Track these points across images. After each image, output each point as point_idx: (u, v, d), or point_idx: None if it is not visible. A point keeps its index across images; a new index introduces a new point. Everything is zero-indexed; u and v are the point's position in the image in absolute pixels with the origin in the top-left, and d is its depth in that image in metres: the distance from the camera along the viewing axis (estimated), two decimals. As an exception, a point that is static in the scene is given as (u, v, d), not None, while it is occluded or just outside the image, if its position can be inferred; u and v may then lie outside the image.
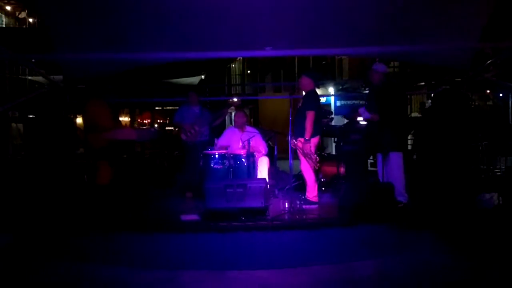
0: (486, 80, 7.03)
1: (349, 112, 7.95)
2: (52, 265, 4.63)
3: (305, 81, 5.72)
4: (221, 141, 6.30)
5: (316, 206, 5.59)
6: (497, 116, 8.21)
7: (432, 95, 9.38)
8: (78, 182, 6.37)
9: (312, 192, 5.63)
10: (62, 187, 6.02)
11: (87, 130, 5.78)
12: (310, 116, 5.42)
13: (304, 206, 5.20)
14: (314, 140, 5.54)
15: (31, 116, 9.57)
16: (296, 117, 5.49)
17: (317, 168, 5.80)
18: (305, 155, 5.46)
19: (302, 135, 5.46)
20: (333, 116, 7.26)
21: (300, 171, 5.70)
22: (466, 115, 6.54)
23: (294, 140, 5.53)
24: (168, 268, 4.52)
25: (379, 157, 5.53)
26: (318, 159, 5.57)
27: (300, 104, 5.72)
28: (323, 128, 6.47)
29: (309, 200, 5.59)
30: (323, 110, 6.80)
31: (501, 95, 8.85)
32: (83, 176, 6.48)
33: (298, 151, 5.58)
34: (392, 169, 5.40)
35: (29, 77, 14.01)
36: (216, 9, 5.25)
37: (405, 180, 5.47)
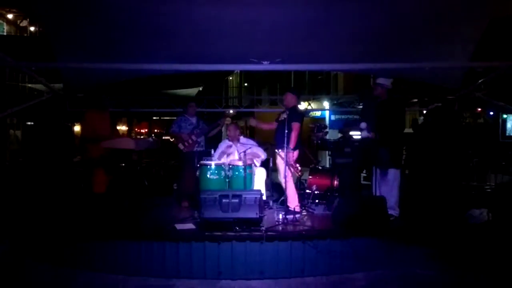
0: (477, 98, 7.18)
1: (343, 126, 8.07)
2: (47, 271, 4.68)
3: (290, 97, 5.99)
4: (216, 153, 6.38)
5: (310, 217, 5.69)
6: (487, 133, 8.35)
7: (424, 111, 9.55)
8: (74, 190, 6.42)
9: (293, 202, 5.75)
10: (58, 195, 6.07)
11: (85, 138, 5.85)
12: (296, 127, 5.68)
13: (288, 216, 5.26)
14: (296, 153, 5.73)
15: (29, 123, 9.61)
16: (280, 129, 5.65)
17: (299, 176, 6.04)
18: (288, 164, 5.60)
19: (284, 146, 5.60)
20: (327, 130, 7.35)
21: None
22: (457, 132, 6.68)
23: (276, 151, 5.74)
24: (162, 276, 4.58)
25: (374, 171, 5.62)
26: (300, 169, 5.81)
27: (282, 117, 5.83)
28: (315, 142, 6.61)
29: (291, 210, 5.59)
30: (318, 124, 6.94)
31: (491, 113, 9.00)
32: (79, 184, 6.53)
33: (277, 161, 5.80)
34: (388, 184, 5.50)
35: (29, 85, 14.08)
36: (214, 23, 5.37)
37: (398, 195, 5.56)
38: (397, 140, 5.52)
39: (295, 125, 5.69)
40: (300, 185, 6.53)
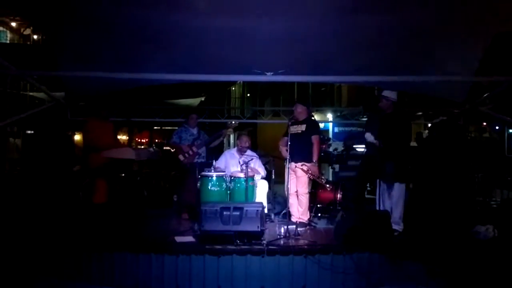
0: (482, 113, 7.12)
1: (346, 139, 8.00)
2: (45, 283, 4.59)
3: (300, 109, 5.97)
4: (219, 164, 6.31)
5: (312, 231, 5.61)
6: (493, 148, 8.27)
7: (429, 125, 9.48)
8: (73, 199, 6.34)
9: (307, 214, 5.82)
10: (57, 205, 6.00)
11: (87, 148, 5.79)
12: (317, 140, 5.76)
13: (290, 230, 5.18)
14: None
15: (29, 131, 9.57)
16: (297, 142, 5.54)
17: (329, 188, 6.11)
18: (315, 177, 5.70)
19: (305, 160, 5.58)
20: (331, 142, 7.30)
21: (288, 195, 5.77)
22: (462, 146, 6.60)
23: (294, 164, 5.61)
24: (161, 289, 4.50)
25: (379, 184, 5.54)
26: (326, 180, 5.79)
27: (300, 130, 5.78)
28: (321, 154, 6.53)
29: (305, 222, 5.68)
30: (321, 136, 6.87)
31: (497, 127, 8.93)
32: (78, 193, 6.45)
33: (296, 174, 5.65)
34: (393, 198, 5.41)
35: (30, 93, 14.07)
36: (218, 34, 5.34)
37: (403, 209, 5.47)
38: (402, 154, 5.43)
39: (316, 138, 5.76)
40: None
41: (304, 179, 5.71)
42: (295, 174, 5.69)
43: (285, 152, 5.73)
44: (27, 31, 20.50)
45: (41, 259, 4.72)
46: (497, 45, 5.75)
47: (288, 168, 5.66)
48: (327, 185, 5.91)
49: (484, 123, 9.74)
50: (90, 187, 5.78)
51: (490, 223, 5.46)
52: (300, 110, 5.96)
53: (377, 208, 5.49)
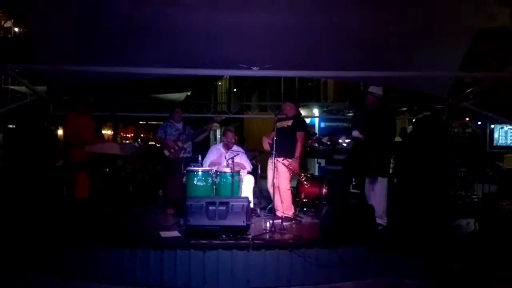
0: (465, 108, 7.22)
1: (331, 133, 8.03)
2: (27, 279, 4.53)
3: (289, 106, 6.01)
4: (207, 160, 6.30)
5: (298, 225, 5.63)
6: (475, 143, 8.41)
7: (413, 120, 9.57)
8: (56, 195, 6.26)
9: (291, 209, 5.85)
10: (39, 200, 5.91)
11: (67, 142, 5.71)
12: (301, 136, 5.76)
13: (275, 225, 5.20)
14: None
15: (11, 126, 9.40)
16: (282, 137, 5.54)
17: (307, 186, 6.12)
18: (295, 173, 5.70)
19: (287, 155, 5.60)
20: (318, 136, 7.32)
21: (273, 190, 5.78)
22: (445, 141, 6.68)
23: (277, 159, 5.61)
24: (145, 285, 4.47)
25: (366, 179, 5.59)
26: (306, 177, 5.87)
27: (284, 125, 5.80)
28: (306, 149, 6.55)
29: (289, 217, 5.72)
30: (308, 132, 6.91)
31: (479, 123, 9.07)
32: (62, 189, 6.37)
33: (278, 169, 5.66)
34: (376, 192, 5.46)
35: (12, 87, 13.82)
36: (203, 28, 5.31)
37: (386, 203, 5.53)
38: (387, 149, 5.49)
39: (301, 135, 5.77)
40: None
41: (285, 174, 5.72)
42: (277, 169, 5.71)
43: (266, 144, 5.78)
44: (8, 24, 20.03)
45: (23, 255, 4.65)
46: (481, 42, 5.83)
47: (273, 163, 5.66)
48: (305, 183, 5.92)
49: (467, 119, 9.89)
50: (73, 182, 5.70)
51: (471, 217, 5.56)
52: (289, 108, 5.99)
53: (366, 202, 5.54)
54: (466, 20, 5.12)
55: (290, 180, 5.92)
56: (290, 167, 5.65)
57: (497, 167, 7.75)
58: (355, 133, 5.52)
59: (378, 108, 5.59)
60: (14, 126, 8.76)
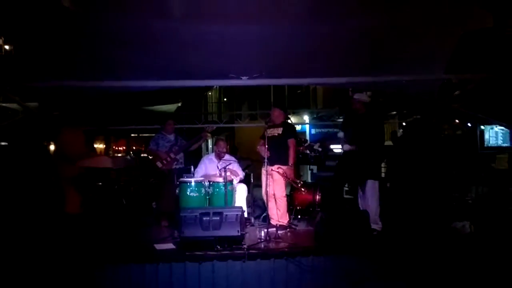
0: (454, 110, 7.27)
1: (322, 140, 8.07)
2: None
3: (277, 112, 6.05)
4: (199, 170, 6.29)
5: (292, 233, 5.62)
6: (466, 145, 8.45)
7: (403, 124, 9.64)
8: (49, 210, 6.20)
9: (286, 217, 5.85)
10: (31, 216, 5.86)
11: (58, 158, 5.69)
12: (293, 143, 5.81)
13: (279, 232, 5.20)
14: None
15: (3, 143, 9.34)
16: (273, 145, 5.56)
17: (304, 192, 6.13)
18: (291, 181, 5.76)
19: (281, 163, 5.62)
20: (310, 143, 7.34)
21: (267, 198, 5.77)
22: (436, 144, 6.73)
23: (271, 168, 5.63)
24: (141, 299, 4.43)
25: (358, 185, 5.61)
26: (301, 183, 5.87)
27: (274, 133, 5.82)
28: (299, 156, 6.57)
29: (284, 225, 5.72)
30: (299, 138, 6.93)
31: (469, 124, 9.14)
32: (54, 204, 6.32)
33: (273, 177, 5.67)
34: (367, 196, 5.49)
35: (3, 104, 13.70)
36: (192, 39, 5.32)
37: (379, 207, 5.55)
38: (376, 152, 5.53)
39: (292, 142, 5.82)
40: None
41: (280, 182, 5.74)
42: (272, 177, 5.71)
43: (263, 150, 5.66)
44: (-1, 42, 19.97)
45: (16, 271, 4.58)
46: (465, 44, 5.89)
47: (266, 171, 5.68)
48: (302, 189, 5.95)
49: (457, 120, 9.95)
50: (63, 197, 5.67)
51: (466, 219, 5.58)
52: (277, 114, 6.03)
53: (359, 208, 5.56)
54: (450, 22, 5.17)
55: (286, 188, 5.93)
56: (285, 175, 5.66)
57: (490, 168, 7.78)
58: (346, 147, 5.59)
59: (365, 113, 5.66)
60: (6, 143, 8.71)
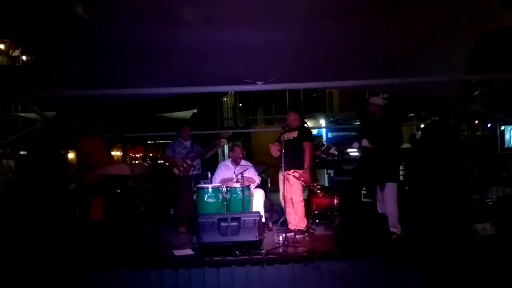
0: (474, 111, 7.17)
1: (338, 144, 8.01)
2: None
3: (293, 116, 6.02)
4: (217, 177, 6.31)
5: (311, 238, 5.59)
6: (486, 146, 8.31)
7: (422, 126, 9.52)
8: (70, 218, 6.29)
9: (303, 222, 5.79)
10: (54, 224, 5.94)
11: (80, 167, 5.77)
12: (308, 146, 5.74)
13: (297, 237, 5.17)
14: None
15: (22, 152, 9.53)
16: (290, 149, 5.53)
17: (321, 195, 6.08)
18: (308, 185, 5.69)
19: (297, 167, 5.59)
20: (325, 147, 7.30)
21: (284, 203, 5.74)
22: (455, 145, 6.62)
23: (287, 172, 5.60)
24: (161, 305, 4.45)
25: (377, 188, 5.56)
26: (319, 186, 5.85)
27: (290, 137, 5.80)
28: (315, 160, 6.54)
29: (302, 230, 5.67)
30: (316, 142, 6.90)
31: (489, 125, 8.99)
32: (75, 212, 6.41)
33: (289, 182, 5.64)
34: (386, 199, 5.42)
35: (22, 114, 14.03)
36: (207, 46, 5.36)
37: (398, 211, 5.47)
38: (393, 155, 5.47)
39: (308, 145, 5.76)
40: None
41: (297, 186, 5.70)
42: (289, 182, 5.69)
43: (275, 151, 5.75)
44: (16, 53, 20.47)
45: (41, 280, 4.65)
46: (484, 44, 5.81)
47: (283, 176, 5.65)
48: (319, 192, 5.88)
49: (476, 121, 9.81)
50: (86, 205, 5.75)
51: (487, 221, 5.47)
52: (293, 118, 6.01)
53: (378, 211, 5.49)
54: (468, 23, 5.12)
55: (303, 192, 5.89)
56: (302, 179, 5.63)
57: (510, 169, 7.64)
58: (365, 142, 5.50)
59: (382, 116, 5.60)
60: (25, 153, 8.88)
